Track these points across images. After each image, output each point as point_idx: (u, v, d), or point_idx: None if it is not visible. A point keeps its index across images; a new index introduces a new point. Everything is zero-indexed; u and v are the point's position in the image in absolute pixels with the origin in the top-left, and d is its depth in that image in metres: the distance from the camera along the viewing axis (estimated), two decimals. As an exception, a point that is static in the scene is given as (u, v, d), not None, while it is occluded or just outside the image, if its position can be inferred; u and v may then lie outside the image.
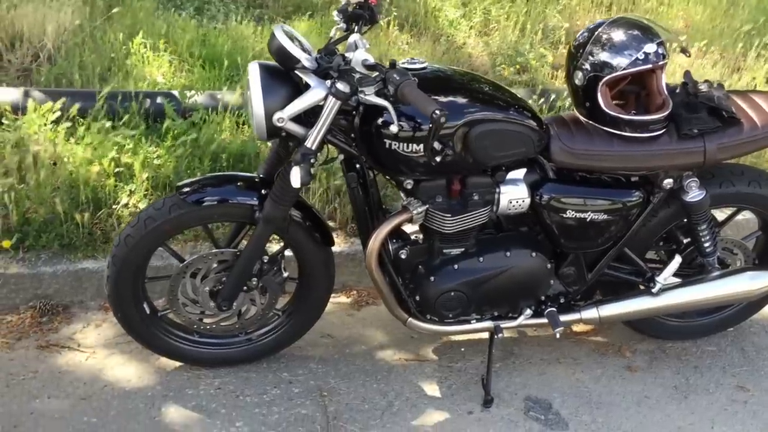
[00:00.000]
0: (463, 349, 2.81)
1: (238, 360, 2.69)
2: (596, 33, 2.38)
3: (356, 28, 2.30)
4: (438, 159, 2.23)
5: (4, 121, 3.31)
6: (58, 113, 3.33)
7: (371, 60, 2.18)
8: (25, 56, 4.31)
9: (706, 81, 2.54)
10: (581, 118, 2.47)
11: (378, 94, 2.16)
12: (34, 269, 2.93)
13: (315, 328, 2.82)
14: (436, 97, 2.27)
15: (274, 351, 2.73)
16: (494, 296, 2.53)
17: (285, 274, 2.53)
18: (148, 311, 2.56)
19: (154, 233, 2.38)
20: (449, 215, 2.37)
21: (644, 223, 2.56)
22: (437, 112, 1.95)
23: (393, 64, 2.16)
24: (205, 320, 2.59)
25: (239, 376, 2.66)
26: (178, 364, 2.68)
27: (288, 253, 2.60)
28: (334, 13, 2.37)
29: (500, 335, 2.57)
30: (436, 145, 2.20)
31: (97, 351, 2.73)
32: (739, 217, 2.87)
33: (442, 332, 2.60)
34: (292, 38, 2.21)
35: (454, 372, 2.72)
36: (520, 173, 2.43)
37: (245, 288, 2.50)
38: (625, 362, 2.81)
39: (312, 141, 2.22)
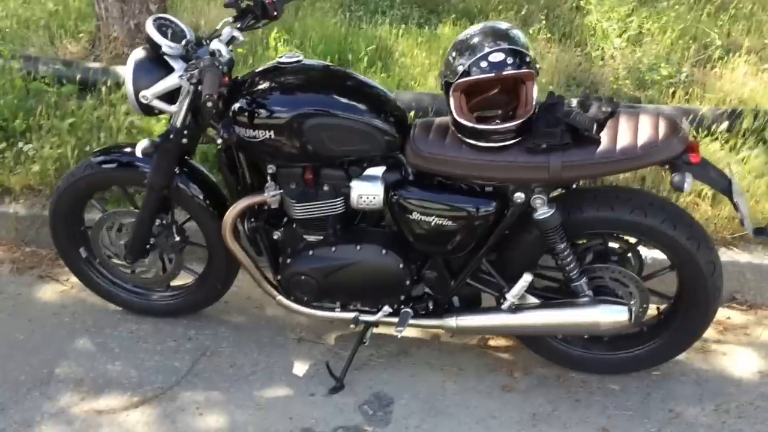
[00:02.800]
0: (365, 342, 2.86)
1: (160, 312, 3.05)
2: (459, 38, 2.35)
3: (240, 23, 2.53)
4: (220, 141, 2.41)
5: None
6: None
7: (224, 50, 2.41)
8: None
9: (602, 97, 2.39)
10: (450, 124, 2.44)
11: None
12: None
13: (256, 297, 3.08)
14: (294, 89, 2.44)
15: (192, 310, 3.05)
16: (345, 287, 2.61)
17: (176, 239, 2.82)
18: (84, 255, 3.00)
19: (73, 188, 2.83)
20: (295, 202, 2.51)
21: (519, 237, 2.46)
22: (206, 96, 2.16)
23: (213, 53, 2.37)
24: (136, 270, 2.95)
25: (157, 326, 3.03)
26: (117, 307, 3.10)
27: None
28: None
29: (354, 326, 2.66)
30: (223, 131, 2.41)
31: (75, 287, 3.24)
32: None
33: (306, 314, 2.72)
34: (167, 27, 2.50)
35: (338, 357, 2.82)
36: (378, 171, 2.48)
37: (148, 246, 2.83)
38: (507, 382, 2.69)
39: (174, 119, 2.50)
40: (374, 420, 2.54)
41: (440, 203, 2.42)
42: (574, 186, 2.53)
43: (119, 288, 3.06)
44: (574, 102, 2.36)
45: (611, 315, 2.41)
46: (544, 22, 5.05)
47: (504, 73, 2.23)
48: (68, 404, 2.62)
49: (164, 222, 2.82)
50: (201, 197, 2.73)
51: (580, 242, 2.56)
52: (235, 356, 2.85)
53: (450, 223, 2.42)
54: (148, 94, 2.49)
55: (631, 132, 2.28)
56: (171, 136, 2.54)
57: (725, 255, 3.11)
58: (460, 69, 2.26)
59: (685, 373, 2.73)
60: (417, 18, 5.37)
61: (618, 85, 4.38)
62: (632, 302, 2.49)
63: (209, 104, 2.20)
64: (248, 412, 2.58)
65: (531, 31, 5.04)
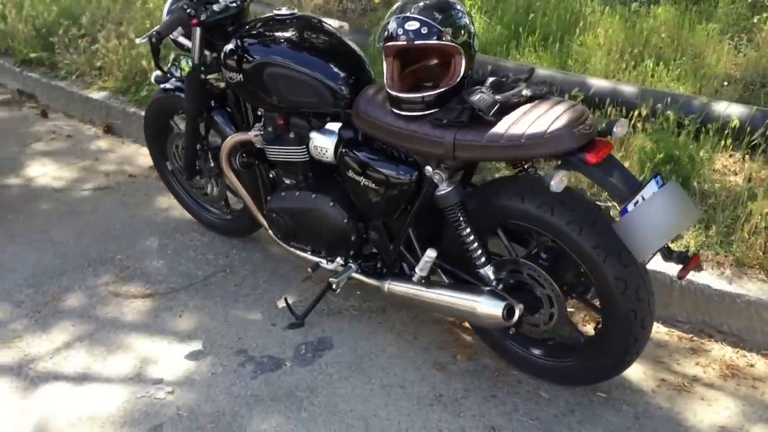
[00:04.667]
0: (358, 292, 3.04)
1: (218, 229, 3.50)
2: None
3: None
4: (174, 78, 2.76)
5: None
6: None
7: None
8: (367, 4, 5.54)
9: (546, 83, 2.30)
10: None
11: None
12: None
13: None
14: (268, 39, 2.68)
15: (241, 233, 3.45)
16: (303, 231, 2.81)
17: (212, 164, 3.20)
18: (170, 168, 3.54)
19: (153, 108, 3.37)
20: (266, 144, 2.76)
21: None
22: (153, 32, 2.51)
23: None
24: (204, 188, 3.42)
25: (213, 241, 3.50)
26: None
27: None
28: None
29: (312, 271, 2.84)
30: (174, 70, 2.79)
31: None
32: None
33: (284, 248, 2.95)
34: None
35: (329, 301, 3.00)
36: (336, 126, 2.63)
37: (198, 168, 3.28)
38: (445, 361, 2.67)
39: (191, 54, 2.87)
40: (299, 358, 2.71)
41: (370, 166, 2.49)
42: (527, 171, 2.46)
43: (193, 201, 3.54)
44: (489, 80, 2.29)
45: (486, 307, 2.30)
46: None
47: (415, 42, 2.23)
48: (101, 283, 3.18)
49: (204, 147, 3.21)
50: (228, 130, 3.05)
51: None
52: (245, 279, 3.19)
53: (376, 186, 2.48)
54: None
55: (531, 120, 2.13)
56: (182, 66, 2.91)
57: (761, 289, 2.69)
58: (386, 33, 2.30)
59: (634, 403, 2.47)
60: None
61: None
62: (551, 307, 2.36)
63: (153, 40, 2.54)
64: (214, 324, 2.91)
65: (756, 20, 4.52)
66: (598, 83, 3.84)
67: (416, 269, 2.49)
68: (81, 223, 3.64)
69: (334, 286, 2.71)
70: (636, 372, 2.60)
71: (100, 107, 4.81)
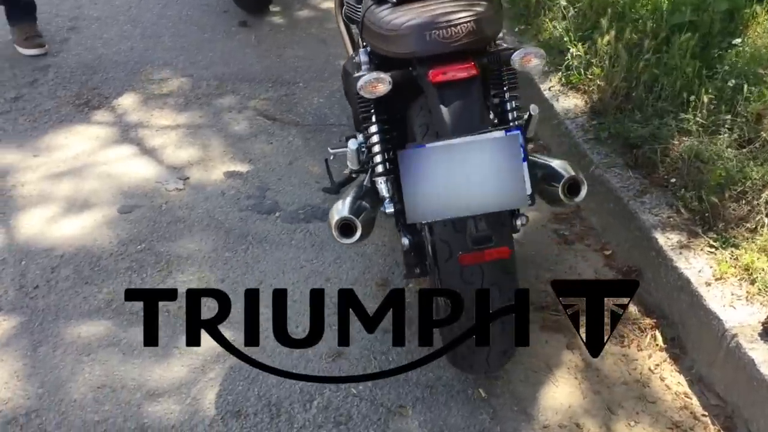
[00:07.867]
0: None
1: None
2: None
3: None
4: None
5: None
6: None
7: None
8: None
9: None
10: None
11: None
12: None
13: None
14: None
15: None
16: (348, 97, 2.68)
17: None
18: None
19: None
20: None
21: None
22: None
23: None
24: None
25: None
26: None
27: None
28: None
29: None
30: None
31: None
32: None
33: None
34: None
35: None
36: None
37: None
38: (381, 279, 2.41)
39: None
40: (291, 216, 2.67)
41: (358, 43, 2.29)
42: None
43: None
44: None
45: (333, 212, 1.98)
46: None
47: None
48: (248, 96, 3.39)
49: None
50: None
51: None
52: (300, 138, 3.12)
53: (350, 67, 2.29)
54: None
55: (414, 13, 1.78)
56: None
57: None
58: None
59: (503, 420, 1.95)
60: None
61: None
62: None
63: None
64: (279, 160, 2.98)
65: None
66: None
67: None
68: (308, 51, 3.83)
69: (332, 157, 2.57)
70: (555, 398, 2.04)
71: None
